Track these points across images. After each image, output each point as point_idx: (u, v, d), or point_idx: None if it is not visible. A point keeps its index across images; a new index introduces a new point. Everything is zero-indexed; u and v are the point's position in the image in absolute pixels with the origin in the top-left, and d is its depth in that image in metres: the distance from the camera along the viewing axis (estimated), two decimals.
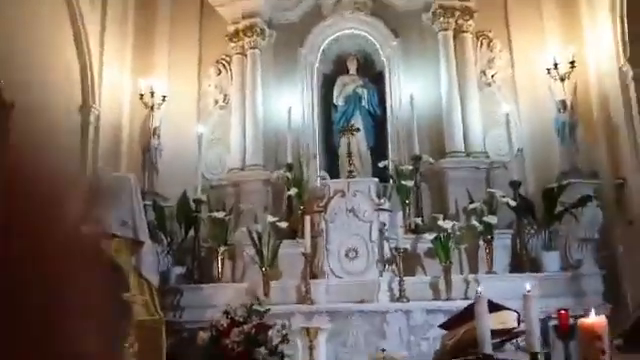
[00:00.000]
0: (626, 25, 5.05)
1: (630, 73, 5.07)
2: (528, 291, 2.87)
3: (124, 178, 4.76)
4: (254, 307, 2.62)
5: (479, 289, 2.94)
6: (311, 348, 3.29)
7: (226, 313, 2.59)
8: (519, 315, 3.14)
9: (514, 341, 3.64)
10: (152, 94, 5.88)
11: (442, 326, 3.44)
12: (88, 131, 5.27)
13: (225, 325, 2.53)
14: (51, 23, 4.97)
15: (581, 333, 2.58)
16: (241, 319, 2.57)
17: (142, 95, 5.90)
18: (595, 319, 2.53)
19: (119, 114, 5.85)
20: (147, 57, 6.20)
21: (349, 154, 5.75)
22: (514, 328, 3.19)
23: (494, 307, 3.26)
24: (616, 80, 5.22)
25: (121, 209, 4.47)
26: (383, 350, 3.39)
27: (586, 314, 2.56)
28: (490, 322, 3.04)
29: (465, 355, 2.98)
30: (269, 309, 2.69)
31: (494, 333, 3.16)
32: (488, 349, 2.78)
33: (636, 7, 5.02)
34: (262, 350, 2.45)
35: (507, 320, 3.21)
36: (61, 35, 5.10)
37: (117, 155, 5.70)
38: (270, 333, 2.48)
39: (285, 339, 2.54)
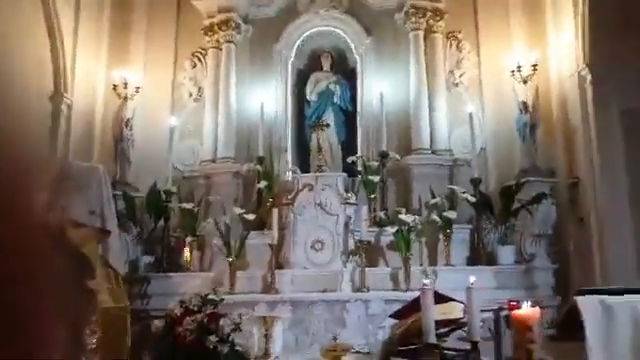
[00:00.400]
0: (587, 31, 5.27)
1: (588, 77, 5.31)
2: (471, 284, 3.07)
3: (93, 168, 4.83)
4: (209, 296, 2.75)
5: (425, 281, 3.13)
6: (267, 337, 3.46)
7: (181, 302, 2.72)
8: (465, 306, 3.34)
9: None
10: (125, 85, 5.94)
11: (393, 316, 3.63)
12: (59, 120, 5.31)
13: (179, 314, 2.66)
14: (24, 13, 4.98)
15: (515, 323, 2.80)
16: (195, 308, 2.70)
17: (115, 86, 5.96)
18: (527, 311, 2.74)
19: (92, 104, 5.89)
20: (122, 47, 6.24)
21: (319, 149, 5.92)
22: (460, 318, 3.40)
23: (442, 298, 3.47)
24: (575, 84, 5.45)
25: (89, 198, 4.55)
26: (335, 339, 3.57)
27: (519, 306, 2.77)
28: (436, 313, 3.25)
29: (411, 344, 3.17)
30: (223, 299, 2.83)
31: (442, 323, 3.37)
32: (432, 339, 2.97)
33: (597, 14, 5.25)
34: (212, 338, 2.59)
35: (453, 311, 3.42)
36: (34, 25, 5.10)
37: (89, 145, 5.75)
38: (222, 322, 2.62)
39: (237, 328, 2.69)
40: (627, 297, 2.80)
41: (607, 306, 2.73)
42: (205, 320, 2.66)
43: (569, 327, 2.93)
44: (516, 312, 2.72)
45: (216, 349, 2.61)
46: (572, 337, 2.89)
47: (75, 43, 5.53)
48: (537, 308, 2.70)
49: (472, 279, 3.00)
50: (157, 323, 2.77)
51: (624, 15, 5.00)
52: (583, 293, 2.90)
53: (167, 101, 6.36)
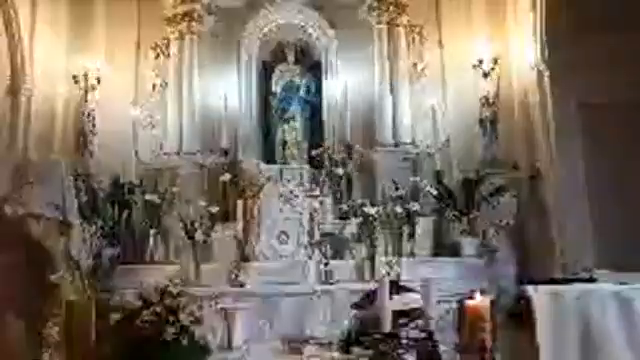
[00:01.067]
0: (544, 28, 5.40)
1: (546, 72, 5.45)
2: (428, 275, 3.14)
3: (55, 160, 4.76)
4: (168, 289, 2.76)
5: (383, 272, 3.19)
6: (229, 328, 3.48)
7: (139, 294, 2.72)
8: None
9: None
10: (86, 76, 5.83)
11: (354, 306, 3.69)
12: (18, 111, 5.17)
13: (137, 306, 2.66)
14: None
15: (468, 313, 2.89)
16: (153, 300, 2.70)
17: (75, 77, 5.84)
18: (479, 301, 2.83)
19: (53, 94, 5.75)
20: (83, 37, 6.10)
21: (284, 141, 5.94)
22: (419, 308, 3.47)
23: (401, 289, 3.54)
24: (534, 78, 5.58)
25: (51, 191, 4.48)
26: (295, 329, 3.60)
27: (473, 296, 2.86)
28: (396, 303, 3.31)
29: (369, 334, 3.22)
30: (181, 291, 2.83)
31: (401, 313, 3.44)
32: (388, 328, 3.03)
33: (554, 12, 5.38)
34: (170, 330, 2.60)
35: (412, 301, 3.49)
36: None
37: (50, 136, 5.63)
38: (180, 314, 2.63)
39: (196, 320, 2.70)
40: (575, 286, 2.91)
41: (556, 295, 2.84)
42: (163, 312, 2.66)
43: (521, 316, 3.03)
44: (468, 302, 2.81)
45: (174, 341, 2.62)
46: (524, 325, 2.99)
47: (32, 33, 5.37)
48: (487, 298, 2.79)
49: (428, 270, 3.07)
50: (113, 315, 2.76)
51: (581, 11, 5.13)
52: (535, 283, 3.00)
53: (130, 92, 6.25)
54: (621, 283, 2.77)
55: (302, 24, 6.45)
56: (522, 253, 5.62)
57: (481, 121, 5.80)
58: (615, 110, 5.27)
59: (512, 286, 5.34)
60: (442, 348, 3.16)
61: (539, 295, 2.82)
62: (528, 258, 5.62)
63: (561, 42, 5.27)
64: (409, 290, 3.48)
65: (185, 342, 2.67)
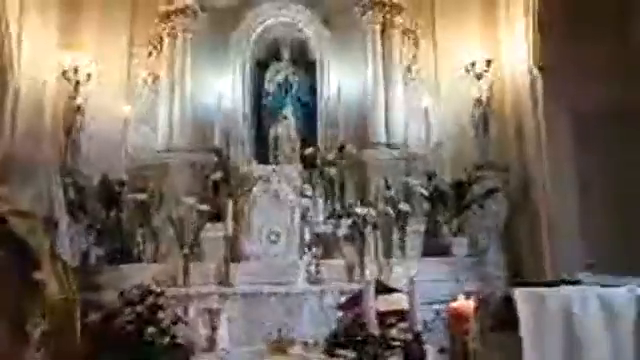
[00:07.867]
0: (537, 31, 5.40)
1: (538, 74, 5.44)
2: (413, 276, 3.12)
3: (41, 155, 4.72)
4: (150, 288, 2.73)
5: (367, 272, 3.17)
6: (213, 328, 3.45)
7: (121, 294, 2.69)
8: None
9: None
10: (76, 71, 5.78)
11: (340, 307, 3.67)
12: (5, 105, 5.10)
13: (118, 305, 2.63)
14: None
15: (451, 315, 2.88)
16: (136, 299, 2.68)
17: (65, 72, 5.80)
18: (462, 303, 2.82)
19: (41, 90, 5.69)
20: (74, 31, 6.07)
21: (277, 140, 5.91)
22: (404, 309, 3.45)
23: (387, 290, 3.53)
24: (526, 81, 5.58)
25: (38, 188, 4.44)
26: (280, 330, 3.59)
27: (456, 298, 2.84)
28: (384, 304, 3.30)
29: (354, 335, 3.21)
30: (164, 291, 2.80)
31: (388, 314, 3.43)
32: (373, 329, 3.02)
33: (547, 12, 5.38)
34: (151, 330, 2.57)
35: (399, 302, 3.48)
36: None
37: (38, 131, 5.57)
38: (162, 314, 2.60)
39: (178, 320, 2.67)
40: (560, 288, 2.89)
41: (540, 297, 2.82)
42: (144, 312, 2.63)
43: (507, 318, 3.01)
44: (452, 304, 2.79)
45: (154, 341, 2.59)
46: (509, 328, 2.98)
47: (21, 25, 5.31)
48: (471, 301, 2.77)
49: (413, 272, 3.05)
50: (94, 315, 2.73)
51: (574, 13, 5.13)
52: (520, 285, 2.99)
53: (121, 88, 6.20)
54: (605, 285, 2.76)
55: (297, 23, 6.42)
56: (513, 255, 5.62)
57: (473, 123, 5.79)
58: (606, 114, 5.26)
59: (501, 288, 5.36)
60: (429, 350, 3.15)
61: (523, 297, 2.80)
62: (519, 260, 5.62)
63: (553, 44, 5.27)
64: (395, 290, 3.47)
65: (165, 342, 2.64)
